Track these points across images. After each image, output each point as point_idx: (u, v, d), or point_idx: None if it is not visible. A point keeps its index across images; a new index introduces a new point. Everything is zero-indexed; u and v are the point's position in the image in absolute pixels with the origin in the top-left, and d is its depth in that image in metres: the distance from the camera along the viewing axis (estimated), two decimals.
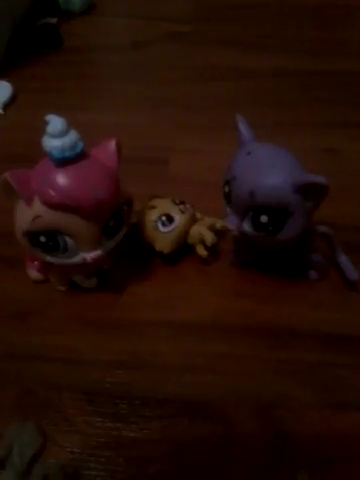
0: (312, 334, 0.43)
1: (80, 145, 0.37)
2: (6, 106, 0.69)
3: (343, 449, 0.36)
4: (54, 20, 0.83)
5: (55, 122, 0.37)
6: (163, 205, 0.47)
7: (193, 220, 0.47)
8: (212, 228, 0.47)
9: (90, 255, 0.39)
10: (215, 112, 0.66)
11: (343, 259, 0.45)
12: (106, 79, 0.76)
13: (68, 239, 0.38)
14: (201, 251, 0.47)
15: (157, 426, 0.38)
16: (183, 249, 0.48)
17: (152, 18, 0.88)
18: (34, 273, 0.46)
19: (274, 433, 0.37)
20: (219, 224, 0.47)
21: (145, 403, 0.39)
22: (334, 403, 0.39)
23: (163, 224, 0.45)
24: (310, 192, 0.37)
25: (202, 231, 0.46)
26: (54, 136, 0.36)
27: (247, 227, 0.40)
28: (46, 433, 0.37)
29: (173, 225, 0.45)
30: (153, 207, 0.46)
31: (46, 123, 0.37)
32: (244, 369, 0.41)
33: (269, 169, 0.38)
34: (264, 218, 0.38)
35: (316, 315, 0.44)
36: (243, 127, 0.41)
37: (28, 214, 0.37)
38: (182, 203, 0.47)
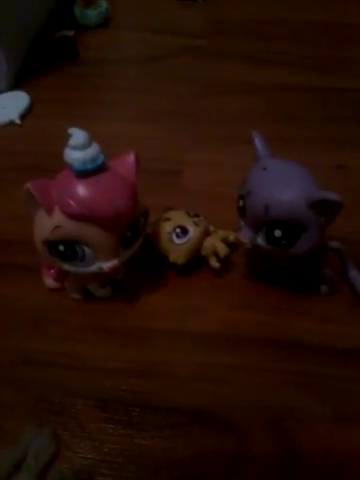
0: (322, 347, 0.43)
1: (101, 158, 0.38)
2: (23, 116, 0.70)
3: (353, 463, 0.37)
4: (71, 33, 0.84)
5: (78, 135, 0.37)
6: (178, 217, 0.47)
7: (207, 232, 0.47)
8: (225, 241, 0.47)
9: (107, 264, 0.40)
10: (229, 126, 0.66)
11: (354, 274, 0.46)
12: (121, 91, 0.77)
13: (86, 248, 0.39)
14: (214, 263, 0.47)
15: (169, 434, 0.38)
16: (196, 261, 0.48)
17: (167, 32, 0.89)
18: (50, 281, 0.47)
19: (284, 445, 0.37)
20: (232, 237, 0.47)
21: (157, 411, 0.39)
22: (344, 416, 0.39)
23: (177, 236, 0.46)
24: (324, 208, 0.37)
25: (215, 243, 0.47)
26: (76, 148, 0.37)
27: (261, 241, 0.41)
28: (60, 439, 0.37)
29: (187, 237, 0.46)
30: (168, 219, 0.47)
31: (69, 136, 0.38)
32: (254, 381, 0.41)
33: (284, 184, 0.38)
34: (278, 232, 0.39)
35: (326, 328, 0.44)
36: (259, 143, 0.42)
37: (48, 224, 0.38)
38: (196, 215, 0.48)
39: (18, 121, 0.69)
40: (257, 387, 0.41)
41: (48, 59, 0.81)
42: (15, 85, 0.76)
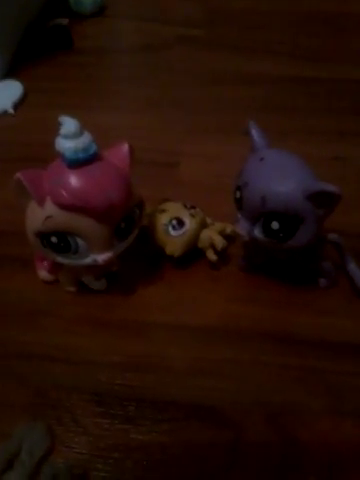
0: (321, 341, 0.43)
1: (93, 147, 0.37)
2: (16, 106, 0.70)
3: (351, 457, 0.36)
4: (65, 21, 0.83)
5: (69, 123, 0.37)
6: (174, 209, 0.47)
7: (203, 224, 0.47)
8: (222, 233, 0.47)
9: (101, 257, 0.39)
10: (225, 116, 0.66)
11: (353, 267, 0.45)
12: (116, 81, 0.76)
13: (79, 240, 0.38)
14: (211, 255, 0.47)
15: (165, 429, 0.37)
16: (193, 253, 0.47)
17: (163, 21, 0.88)
18: (44, 273, 0.46)
19: (282, 440, 0.37)
20: (229, 229, 0.47)
21: (154, 406, 0.39)
22: (342, 411, 0.38)
23: (174, 228, 0.45)
24: (322, 200, 0.36)
25: (212, 235, 0.46)
26: (67, 137, 0.37)
27: (258, 233, 0.40)
28: (55, 434, 0.37)
29: (184, 229, 0.45)
30: (164, 210, 0.46)
31: (59, 124, 0.37)
32: (252, 375, 0.41)
33: (282, 176, 0.38)
34: (275, 224, 0.38)
35: (325, 322, 0.44)
36: (256, 133, 0.41)
37: (40, 214, 0.37)
38: (193, 207, 0.47)
39: (11, 111, 0.69)
40: (255, 381, 0.40)
41: (42, 48, 0.80)
42: (8, 74, 0.75)
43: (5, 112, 0.69)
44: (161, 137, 0.63)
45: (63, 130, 0.37)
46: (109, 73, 0.78)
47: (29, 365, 0.41)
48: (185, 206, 0.47)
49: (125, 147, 0.40)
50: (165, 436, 0.37)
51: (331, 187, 0.35)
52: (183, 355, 0.42)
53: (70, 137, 0.37)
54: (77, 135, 0.37)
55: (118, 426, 0.38)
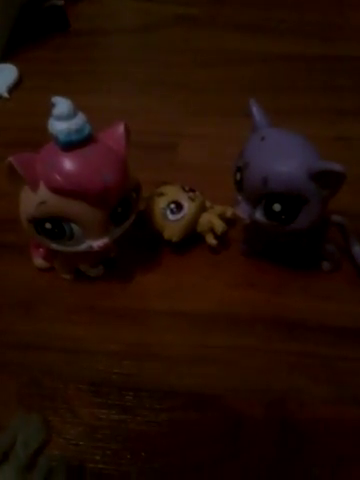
0: (324, 326, 0.42)
1: (87, 128, 0.36)
2: (11, 89, 0.68)
3: (355, 444, 0.36)
4: (61, 2, 0.81)
5: (61, 104, 0.36)
6: (172, 192, 0.46)
7: (203, 208, 0.46)
8: (222, 216, 0.46)
9: (97, 243, 0.38)
10: (225, 97, 0.65)
11: (357, 250, 0.44)
12: (113, 63, 0.75)
13: (74, 226, 0.37)
14: (210, 240, 0.46)
15: (164, 419, 0.37)
16: (192, 238, 0.47)
17: (161, 0, 0.86)
18: (39, 261, 0.45)
19: (285, 427, 0.36)
20: (230, 212, 0.46)
21: (152, 395, 0.38)
22: (346, 397, 0.38)
23: (172, 212, 0.44)
24: (326, 180, 0.35)
25: (212, 219, 0.45)
26: (60, 119, 0.35)
27: (259, 216, 0.39)
28: (51, 425, 0.36)
29: (182, 213, 0.45)
30: (162, 194, 0.45)
31: (52, 105, 0.36)
32: (254, 362, 0.40)
33: (284, 155, 0.36)
34: (277, 206, 0.37)
35: (328, 307, 0.43)
36: (257, 112, 0.40)
37: (33, 200, 0.36)
38: (192, 190, 0.46)
39: (6, 94, 0.68)
40: (256, 368, 0.40)
41: (37, 30, 0.79)
42: (2, 57, 0.74)
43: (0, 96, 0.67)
44: (159, 119, 0.62)
45: (56, 111, 0.36)
46: (106, 54, 0.77)
47: (24, 355, 0.41)
48: (183, 189, 0.46)
49: (120, 128, 0.38)
50: (164, 426, 0.37)
51: (336, 166, 0.34)
52: (182, 342, 0.41)
53: (63, 118, 0.35)
54: (70, 116, 0.36)
55: (116, 416, 0.37)
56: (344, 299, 0.44)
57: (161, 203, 0.45)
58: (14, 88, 0.69)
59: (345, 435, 0.36)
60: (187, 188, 0.46)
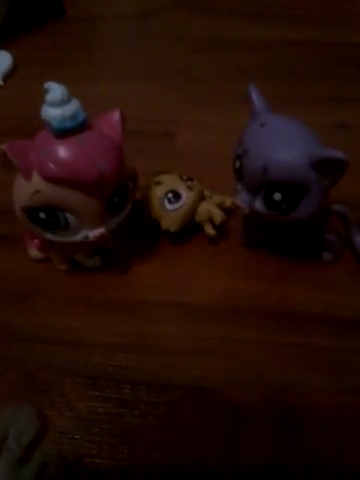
0: (324, 318, 0.41)
1: (82, 115, 0.35)
2: (6, 77, 0.67)
3: (355, 435, 0.35)
4: None
5: (55, 90, 0.35)
6: (170, 181, 0.45)
7: (201, 197, 0.45)
8: (221, 206, 0.45)
9: (93, 233, 0.38)
10: (224, 84, 0.64)
11: (358, 239, 0.44)
12: (110, 50, 0.74)
13: (69, 216, 0.36)
14: (209, 230, 0.45)
15: (162, 412, 0.36)
16: (190, 228, 0.46)
17: None
18: (34, 251, 0.45)
19: (284, 420, 0.36)
20: (229, 202, 0.45)
21: (150, 388, 0.37)
22: (347, 389, 0.37)
23: (170, 201, 0.44)
24: (328, 168, 0.35)
25: (210, 209, 0.45)
26: (54, 105, 0.35)
27: (259, 205, 0.38)
28: (47, 418, 0.36)
29: (180, 202, 0.44)
30: (159, 183, 0.45)
31: (45, 91, 0.35)
32: (253, 354, 0.39)
33: (284, 142, 0.36)
34: (277, 195, 0.36)
35: (329, 298, 0.42)
36: (256, 98, 0.39)
37: (27, 189, 0.36)
38: (190, 179, 0.45)
39: (0, 82, 0.66)
40: (256, 361, 0.39)
41: (32, 16, 0.78)
42: None
43: None
44: (157, 106, 0.62)
45: (49, 97, 0.35)
46: (102, 41, 0.76)
47: (19, 347, 0.40)
48: (182, 178, 0.45)
49: (116, 114, 0.37)
50: (162, 419, 0.36)
51: (338, 154, 0.33)
52: (180, 334, 0.41)
53: (57, 104, 0.35)
54: (64, 102, 0.35)
55: (113, 410, 0.37)
56: (345, 290, 0.43)
57: (159, 192, 0.44)
58: (8, 76, 0.68)
59: (346, 428, 0.35)
60: (185, 177, 0.45)
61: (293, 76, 0.66)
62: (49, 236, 0.38)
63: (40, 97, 0.35)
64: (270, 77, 0.64)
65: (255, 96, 0.39)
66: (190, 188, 0.44)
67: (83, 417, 0.36)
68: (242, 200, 0.39)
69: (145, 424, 0.36)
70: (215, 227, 0.45)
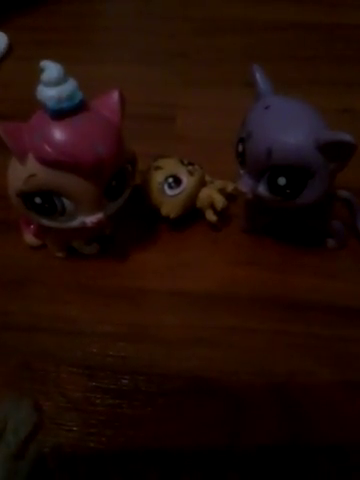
0: (329, 306, 0.41)
1: (79, 95, 0.34)
2: (1, 59, 0.66)
3: None
4: None
5: (51, 69, 0.33)
6: (170, 166, 0.44)
7: (202, 182, 0.44)
8: (223, 191, 0.45)
9: (90, 219, 0.37)
10: (227, 67, 0.63)
11: None
12: (109, 31, 0.74)
13: (66, 201, 0.35)
14: (210, 216, 0.45)
15: (161, 404, 0.36)
16: (191, 214, 0.45)
17: None
18: (30, 238, 0.44)
19: (287, 411, 0.35)
20: (231, 187, 0.45)
21: (149, 379, 0.37)
22: (352, 380, 0.37)
23: (170, 186, 0.43)
24: (335, 152, 0.34)
25: (212, 194, 0.44)
26: (50, 85, 0.33)
27: (262, 190, 0.37)
28: (42, 410, 0.35)
29: (181, 188, 0.43)
30: (159, 168, 0.44)
31: (40, 70, 0.34)
32: (255, 343, 0.39)
33: (289, 125, 0.35)
34: (282, 180, 0.36)
35: (334, 286, 0.42)
36: (261, 79, 0.38)
37: (21, 173, 0.34)
38: (191, 164, 0.44)
39: None
40: (258, 351, 0.38)
41: None
42: None
43: None
44: (156, 89, 0.61)
45: (44, 76, 0.33)
46: (100, 22, 0.75)
47: (15, 336, 0.39)
48: (182, 162, 0.44)
49: (115, 95, 0.36)
50: (162, 411, 0.35)
51: (346, 136, 0.32)
52: (180, 323, 0.40)
53: (53, 84, 0.33)
54: (61, 82, 0.33)
55: (110, 401, 0.36)
56: (350, 278, 0.42)
57: (158, 177, 0.43)
58: (3, 58, 0.66)
59: (351, 419, 0.35)
60: (186, 161, 0.44)
61: (297, 59, 0.65)
62: (45, 222, 0.37)
63: (37, 79, 0.34)
64: (272, 60, 0.63)
65: (259, 77, 0.38)
66: (191, 173, 0.43)
67: (80, 408, 0.35)
68: (245, 185, 0.38)
69: (144, 415, 0.35)
70: (216, 213, 0.44)
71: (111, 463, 0.33)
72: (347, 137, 0.32)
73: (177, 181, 0.43)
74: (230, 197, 0.45)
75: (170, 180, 0.43)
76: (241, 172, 0.38)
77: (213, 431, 0.34)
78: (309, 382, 0.36)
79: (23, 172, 0.34)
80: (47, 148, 0.33)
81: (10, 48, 0.68)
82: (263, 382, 0.37)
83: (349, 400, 0.36)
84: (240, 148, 0.38)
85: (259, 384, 0.36)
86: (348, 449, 0.33)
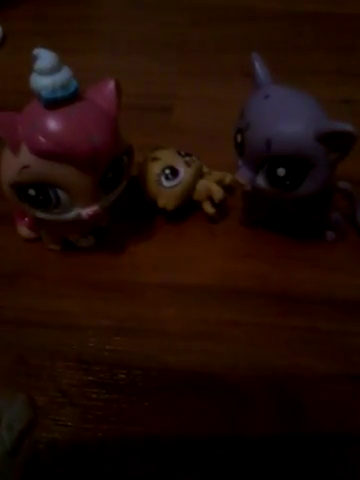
0: (328, 300, 0.40)
1: (74, 84, 0.34)
2: None
3: None
4: None
5: (44, 57, 0.33)
6: (167, 157, 0.43)
7: (200, 174, 0.44)
8: (221, 183, 0.44)
9: (86, 211, 0.36)
10: (225, 57, 0.63)
11: None
12: (104, 21, 0.73)
13: (61, 193, 0.35)
14: (208, 208, 0.44)
15: (159, 399, 0.35)
16: (188, 206, 0.45)
17: None
18: (25, 230, 0.43)
19: (287, 407, 0.35)
20: (229, 178, 0.44)
21: (146, 373, 0.36)
22: (352, 374, 0.36)
23: (167, 178, 0.42)
24: (335, 142, 0.33)
25: (210, 186, 0.43)
26: (43, 73, 0.33)
27: (261, 181, 0.37)
28: (38, 405, 0.35)
29: (178, 179, 0.42)
30: (156, 159, 0.43)
31: (34, 59, 0.33)
32: (254, 337, 0.38)
33: (289, 115, 0.34)
34: (281, 171, 0.35)
35: (333, 279, 0.41)
36: (259, 67, 0.37)
37: (15, 164, 0.34)
38: (188, 155, 0.44)
39: None
40: (257, 345, 0.38)
41: None
42: None
43: None
44: (153, 79, 0.61)
45: (38, 65, 0.33)
46: (95, 12, 0.75)
47: (9, 331, 0.39)
48: (179, 153, 0.44)
49: (111, 84, 0.36)
50: (158, 406, 0.35)
51: (347, 126, 0.32)
52: (178, 317, 0.39)
53: (46, 73, 0.33)
54: (55, 70, 0.33)
55: (107, 396, 0.35)
56: (349, 271, 0.42)
57: (155, 168, 0.43)
58: None
59: (351, 415, 0.34)
60: (183, 152, 0.44)
61: (296, 48, 0.65)
62: (39, 214, 0.37)
63: (30, 70, 0.34)
64: (272, 49, 0.61)
65: (258, 66, 0.37)
66: (188, 164, 0.43)
67: (76, 403, 0.35)
68: (243, 176, 0.37)
69: (141, 410, 0.35)
70: (214, 205, 0.44)
71: (107, 459, 0.33)
72: (348, 127, 0.32)
73: (174, 172, 0.42)
74: (228, 189, 0.45)
75: (167, 171, 0.42)
76: (239, 163, 0.38)
77: (211, 426, 0.34)
78: (309, 375, 0.36)
79: (16, 163, 0.34)
80: (41, 138, 0.32)
81: (4, 38, 0.67)
82: (262, 377, 0.36)
83: (350, 393, 0.35)
84: (239, 138, 0.37)
85: (258, 379, 0.36)
86: (348, 439, 0.33)
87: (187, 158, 0.43)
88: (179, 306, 0.40)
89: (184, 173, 0.42)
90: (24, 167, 0.33)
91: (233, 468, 0.32)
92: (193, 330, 0.39)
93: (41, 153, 0.33)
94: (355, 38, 0.66)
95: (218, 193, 0.43)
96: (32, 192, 0.35)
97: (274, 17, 0.70)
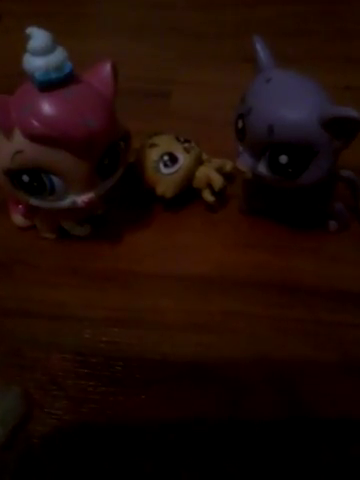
0: (330, 291, 0.40)
1: (68, 65, 0.33)
2: None
3: None
4: None
5: (38, 36, 0.32)
6: (166, 143, 0.43)
7: (199, 161, 0.43)
8: (221, 170, 0.43)
9: (81, 198, 0.35)
10: (225, 41, 0.62)
11: None
12: (101, 3, 0.72)
13: (55, 179, 0.34)
14: (208, 196, 0.43)
15: (156, 391, 0.35)
16: (187, 194, 0.44)
17: None
18: (18, 218, 0.42)
19: (288, 400, 0.34)
20: (229, 166, 0.44)
21: (143, 365, 0.36)
22: (354, 367, 0.36)
23: (165, 165, 0.42)
24: (340, 128, 0.32)
25: (209, 174, 0.43)
26: (37, 54, 0.32)
27: (263, 169, 0.36)
28: (32, 398, 0.33)
29: (177, 166, 0.42)
30: (154, 145, 0.42)
31: (27, 38, 0.32)
32: (254, 329, 0.38)
33: (292, 99, 0.33)
34: (283, 158, 0.34)
35: (335, 270, 0.41)
36: (261, 50, 0.36)
37: (8, 149, 0.33)
38: (187, 141, 0.43)
39: None
40: (257, 337, 0.37)
41: None
42: None
43: None
44: (152, 64, 0.60)
45: (31, 45, 0.32)
46: None
47: (2, 321, 0.38)
48: (178, 140, 0.43)
49: (107, 66, 0.35)
50: (156, 399, 0.34)
51: (353, 112, 0.31)
52: (176, 308, 0.39)
53: (40, 53, 0.32)
54: (48, 51, 0.32)
55: (103, 389, 0.35)
56: (352, 261, 0.41)
57: (153, 155, 0.42)
58: None
59: (352, 408, 0.34)
60: (182, 138, 0.43)
61: (298, 34, 0.64)
62: (34, 201, 0.36)
63: (23, 53, 0.33)
64: (273, 34, 0.59)
65: (260, 48, 0.36)
66: (187, 150, 0.42)
67: (72, 396, 0.34)
68: (244, 163, 0.37)
69: (138, 404, 0.34)
70: (214, 193, 0.43)
71: (104, 453, 0.32)
72: (353, 113, 0.31)
73: (173, 159, 0.42)
74: (228, 177, 0.44)
75: (165, 158, 0.42)
76: (240, 150, 0.37)
77: (210, 418, 0.34)
78: (309, 369, 0.36)
79: (9, 148, 0.33)
80: (34, 122, 0.32)
81: None
82: (261, 369, 0.36)
83: (350, 384, 0.35)
84: (240, 124, 0.36)
85: (257, 371, 0.36)
86: (349, 432, 0.33)
87: (186, 144, 0.43)
88: (177, 296, 0.39)
89: (183, 160, 0.42)
90: (17, 152, 0.33)
91: (232, 460, 0.32)
92: (191, 321, 0.38)
93: (35, 137, 0.32)
94: (356, 24, 0.65)
95: (218, 181, 0.42)
96: (26, 178, 0.34)
97: (274, 2, 0.69)
